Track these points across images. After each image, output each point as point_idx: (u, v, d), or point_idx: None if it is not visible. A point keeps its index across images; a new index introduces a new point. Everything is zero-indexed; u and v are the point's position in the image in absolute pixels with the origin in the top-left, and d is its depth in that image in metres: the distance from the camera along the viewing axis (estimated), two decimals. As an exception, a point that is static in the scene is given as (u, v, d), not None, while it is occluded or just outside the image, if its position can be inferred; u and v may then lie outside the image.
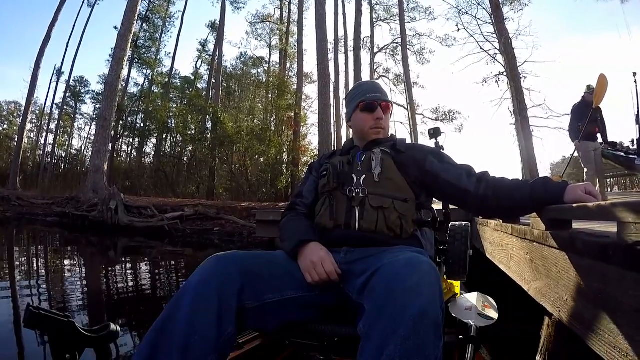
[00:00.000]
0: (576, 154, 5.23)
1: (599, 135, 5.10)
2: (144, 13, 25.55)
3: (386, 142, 1.31)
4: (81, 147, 34.70)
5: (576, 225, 1.13)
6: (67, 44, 27.06)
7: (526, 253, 1.32)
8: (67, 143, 34.39)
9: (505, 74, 13.54)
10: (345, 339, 0.98)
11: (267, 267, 1.02)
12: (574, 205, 0.88)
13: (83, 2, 26.30)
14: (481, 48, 15.17)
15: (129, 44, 14.03)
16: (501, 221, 1.80)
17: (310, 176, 1.39)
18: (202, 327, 0.83)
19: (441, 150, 1.34)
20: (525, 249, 1.35)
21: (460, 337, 1.21)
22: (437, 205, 1.42)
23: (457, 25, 15.94)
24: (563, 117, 12.57)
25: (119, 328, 0.95)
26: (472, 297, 1.37)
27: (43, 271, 5.16)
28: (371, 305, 0.79)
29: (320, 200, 1.26)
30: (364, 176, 1.19)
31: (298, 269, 1.05)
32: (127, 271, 5.44)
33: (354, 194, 1.17)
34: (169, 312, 0.86)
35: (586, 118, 4.69)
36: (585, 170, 4.95)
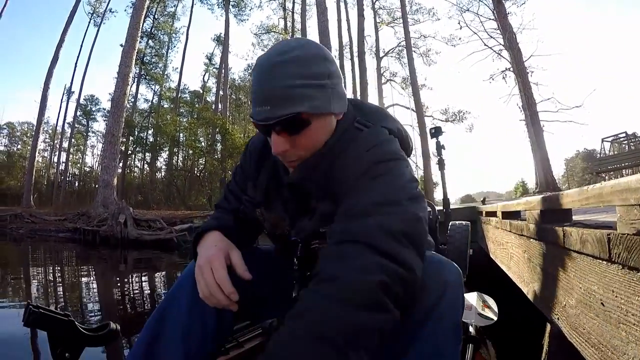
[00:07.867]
0: None
1: None
2: (149, 30, 26.02)
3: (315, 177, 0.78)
4: (94, 164, 35.45)
5: (577, 217, 0.98)
6: (76, 63, 27.57)
7: (524, 251, 1.16)
8: (80, 161, 35.15)
9: (511, 69, 13.27)
10: None
11: (265, 261, 0.96)
12: (570, 191, 0.73)
13: (89, 22, 26.91)
14: (485, 45, 14.92)
15: (134, 60, 14.19)
16: (501, 217, 1.64)
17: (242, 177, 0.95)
18: (202, 315, 0.82)
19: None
20: (523, 247, 1.18)
21: None
22: (437, 206, 1.34)
23: (459, 23, 15.71)
24: (573, 110, 12.21)
25: (119, 327, 0.94)
26: (472, 297, 1.35)
27: (54, 282, 5.31)
28: None
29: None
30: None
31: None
32: (134, 279, 5.59)
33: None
34: (168, 301, 0.85)
35: None
36: None
